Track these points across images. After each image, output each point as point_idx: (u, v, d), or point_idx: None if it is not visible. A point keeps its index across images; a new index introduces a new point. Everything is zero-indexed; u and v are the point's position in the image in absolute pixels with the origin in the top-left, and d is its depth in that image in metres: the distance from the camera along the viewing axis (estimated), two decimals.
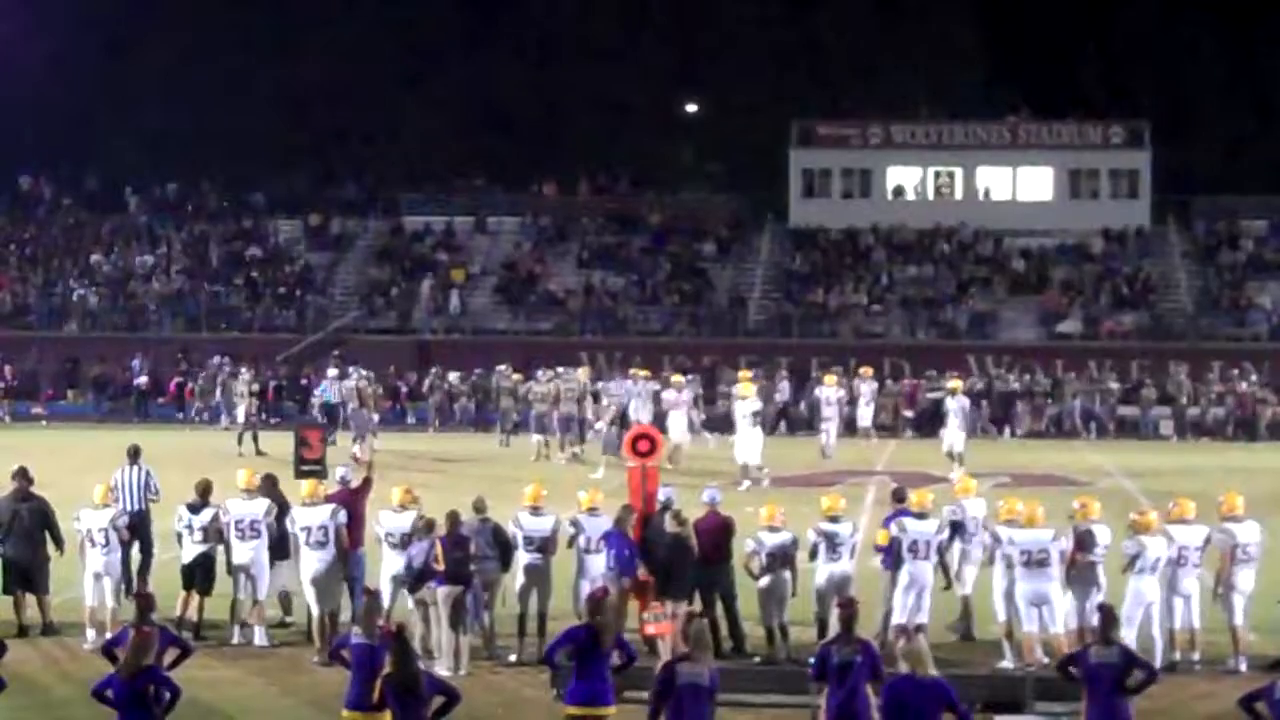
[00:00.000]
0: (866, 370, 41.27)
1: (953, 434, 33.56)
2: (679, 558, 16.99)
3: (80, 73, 63.12)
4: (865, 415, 40.08)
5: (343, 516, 17.76)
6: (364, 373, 38.74)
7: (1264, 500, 18.26)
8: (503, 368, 41.84)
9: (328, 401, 39.24)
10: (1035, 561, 16.53)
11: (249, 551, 18.01)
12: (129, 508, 19.60)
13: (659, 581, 17.01)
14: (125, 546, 18.59)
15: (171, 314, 54.16)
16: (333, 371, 39.86)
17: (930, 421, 40.58)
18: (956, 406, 33.89)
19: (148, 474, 20.30)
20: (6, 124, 57.75)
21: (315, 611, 17.53)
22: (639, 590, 17.12)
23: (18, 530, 18.69)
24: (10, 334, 52.51)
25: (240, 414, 38.36)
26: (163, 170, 61.40)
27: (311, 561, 17.58)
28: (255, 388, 39.50)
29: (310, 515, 17.75)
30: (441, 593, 16.76)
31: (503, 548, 17.49)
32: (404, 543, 17.30)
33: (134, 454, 20.63)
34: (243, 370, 41.85)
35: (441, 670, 15.80)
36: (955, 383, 36.17)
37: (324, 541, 17.56)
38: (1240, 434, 43.85)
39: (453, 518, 17.11)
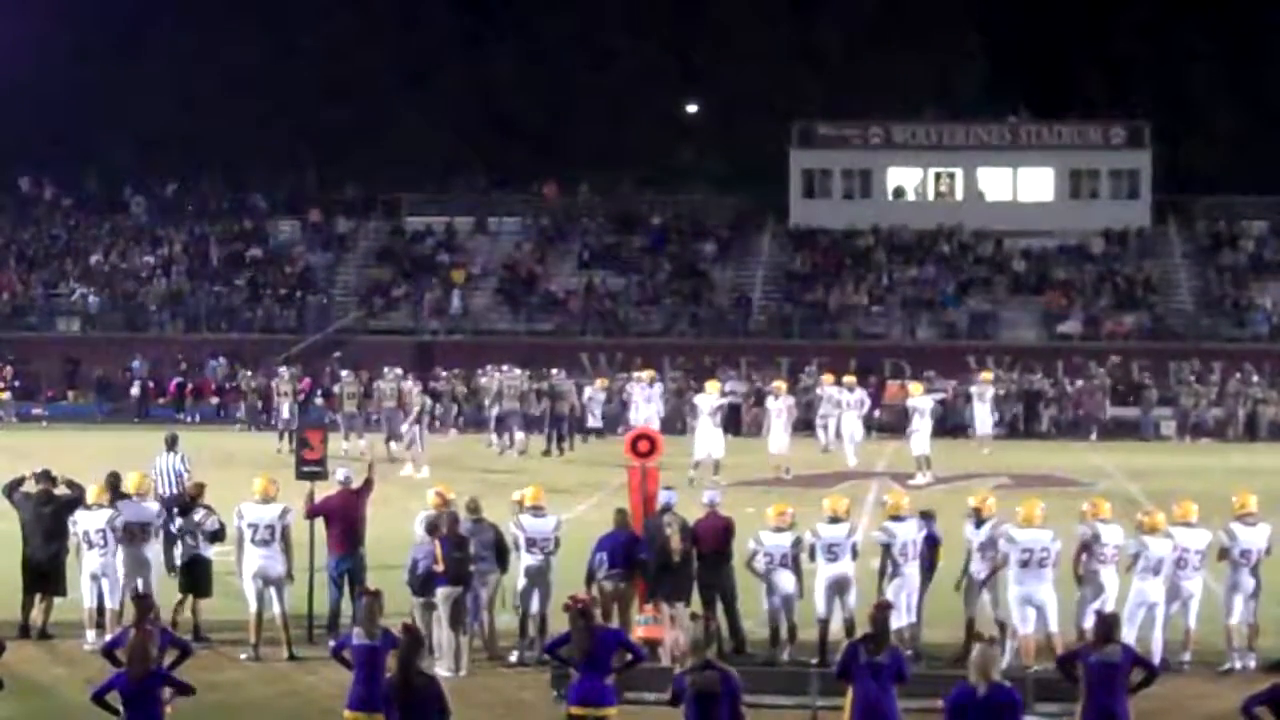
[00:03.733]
0: (986, 374, 39.93)
1: (920, 437, 32.79)
2: (670, 561, 17.00)
3: (80, 73, 63.15)
4: (984, 421, 38.37)
5: (290, 517, 17.84)
6: (398, 372, 39.10)
7: (1265, 501, 18.24)
8: (487, 368, 41.88)
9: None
10: (1035, 562, 16.54)
11: (261, 559, 17.73)
12: (168, 493, 20.29)
13: (651, 584, 17.01)
14: (167, 534, 18.76)
15: (172, 314, 54.18)
16: (397, 371, 40.31)
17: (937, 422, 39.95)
18: (923, 408, 33.24)
19: (185, 460, 21.29)
20: (6, 124, 57.77)
21: (253, 608, 17.56)
22: (631, 593, 17.17)
23: (39, 531, 18.71)
24: (10, 335, 52.59)
25: (285, 411, 38.76)
26: (163, 171, 61.43)
27: (254, 559, 17.60)
28: (296, 386, 39.96)
29: (258, 513, 17.75)
30: (441, 593, 16.78)
31: (499, 549, 17.51)
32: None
33: (171, 442, 21.73)
34: (282, 370, 42.04)
35: (442, 671, 15.81)
36: (917, 385, 35.42)
37: (269, 540, 17.59)
38: (1242, 435, 43.90)
39: (453, 518, 17.12)
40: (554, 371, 40.28)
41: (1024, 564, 16.55)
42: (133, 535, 17.95)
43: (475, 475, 31.31)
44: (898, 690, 12.49)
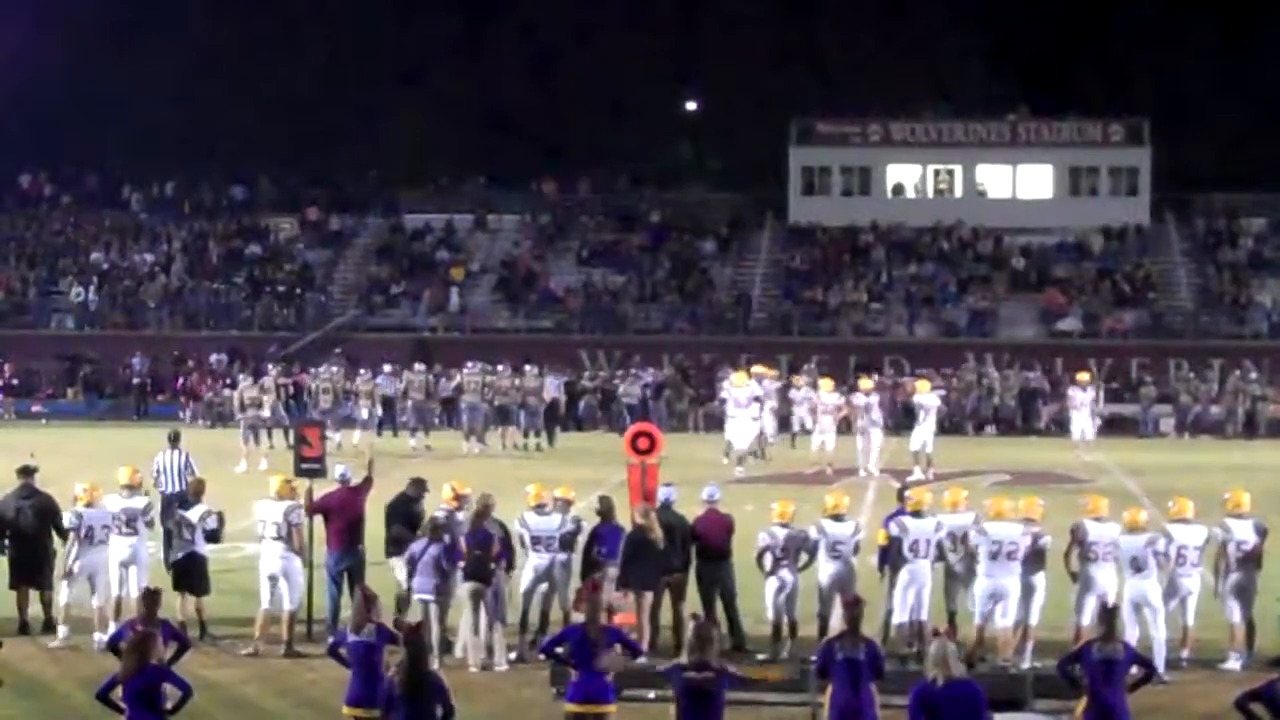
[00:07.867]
0: (1083, 376, 39.16)
1: (923, 433, 32.74)
2: (639, 550, 17.02)
3: (80, 71, 63.09)
4: (1086, 426, 37.33)
5: (298, 516, 17.84)
6: (419, 367, 40.71)
7: (1264, 498, 18.28)
8: (470, 365, 41.99)
9: (386, 395, 40.73)
10: (1004, 554, 16.56)
11: (274, 556, 17.72)
12: (170, 489, 20.70)
13: (621, 572, 17.04)
14: (167, 530, 18.80)
15: (170, 312, 54.16)
16: (388, 367, 40.95)
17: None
18: (928, 405, 33.15)
19: (187, 457, 21.52)
20: (7, 123, 57.73)
21: (265, 606, 17.59)
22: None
23: (22, 526, 18.71)
24: (9, 332, 52.56)
25: (265, 409, 38.95)
26: (162, 168, 61.37)
27: (267, 556, 17.65)
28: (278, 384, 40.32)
29: (268, 510, 17.78)
30: (466, 589, 16.82)
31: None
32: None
33: (174, 439, 22.07)
34: (267, 367, 42.39)
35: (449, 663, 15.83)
36: (924, 382, 35.40)
37: (278, 536, 17.62)
38: (1241, 432, 43.91)
39: (480, 515, 17.14)
40: (498, 367, 40.27)
41: (993, 556, 16.59)
42: (110, 530, 18.00)
43: (473, 473, 31.33)
44: (878, 684, 12.56)
